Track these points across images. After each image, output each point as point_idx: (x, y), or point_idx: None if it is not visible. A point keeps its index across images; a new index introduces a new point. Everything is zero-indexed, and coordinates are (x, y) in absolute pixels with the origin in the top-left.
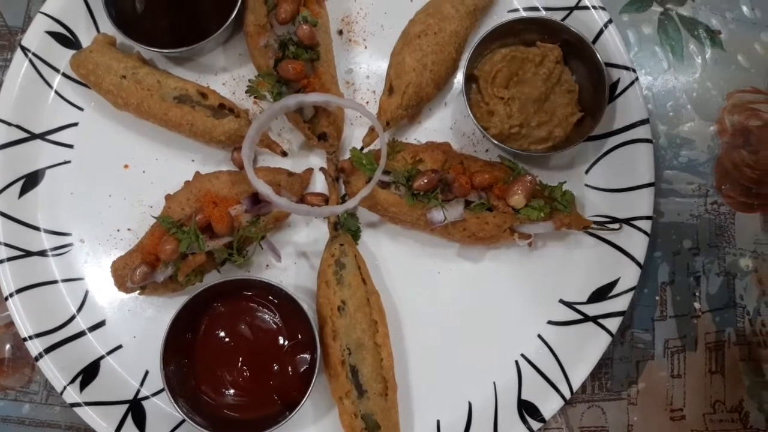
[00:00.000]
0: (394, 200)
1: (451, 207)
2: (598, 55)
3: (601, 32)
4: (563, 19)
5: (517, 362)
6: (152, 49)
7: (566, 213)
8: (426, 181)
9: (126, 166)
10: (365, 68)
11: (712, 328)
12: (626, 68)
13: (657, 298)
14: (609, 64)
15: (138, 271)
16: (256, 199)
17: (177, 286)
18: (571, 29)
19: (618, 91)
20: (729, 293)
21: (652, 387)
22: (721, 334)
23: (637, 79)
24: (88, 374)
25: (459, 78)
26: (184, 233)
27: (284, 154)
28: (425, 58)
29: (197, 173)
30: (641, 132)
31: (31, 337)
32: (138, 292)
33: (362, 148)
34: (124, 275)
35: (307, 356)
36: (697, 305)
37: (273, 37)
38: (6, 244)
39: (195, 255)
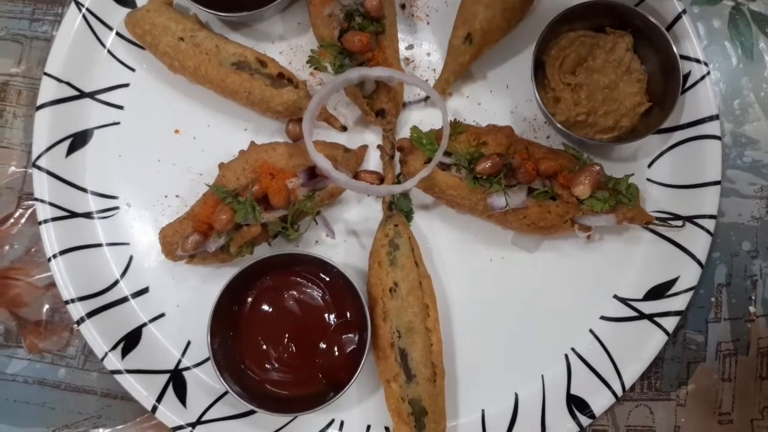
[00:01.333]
0: (453, 183)
1: (514, 193)
2: (672, 44)
3: (674, 22)
4: (636, 6)
5: (566, 356)
6: (212, 11)
7: (630, 207)
8: (490, 164)
9: (177, 132)
10: (426, 45)
11: (765, 333)
12: (698, 61)
13: (713, 299)
14: (681, 56)
15: (190, 239)
16: (312, 173)
17: (227, 256)
18: (647, 17)
19: (688, 85)
20: None
21: (702, 389)
22: None
23: (708, 73)
24: (130, 341)
25: (524, 61)
26: (240, 203)
27: (344, 128)
28: None
29: (253, 143)
30: (710, 128)
31: (73, 300)
32: (185, 260)
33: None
34: (173, 242)
35: (354, 336)
36: (752, 309)
37: (338, 7)
38: (51, 204)
39: (250, 226)
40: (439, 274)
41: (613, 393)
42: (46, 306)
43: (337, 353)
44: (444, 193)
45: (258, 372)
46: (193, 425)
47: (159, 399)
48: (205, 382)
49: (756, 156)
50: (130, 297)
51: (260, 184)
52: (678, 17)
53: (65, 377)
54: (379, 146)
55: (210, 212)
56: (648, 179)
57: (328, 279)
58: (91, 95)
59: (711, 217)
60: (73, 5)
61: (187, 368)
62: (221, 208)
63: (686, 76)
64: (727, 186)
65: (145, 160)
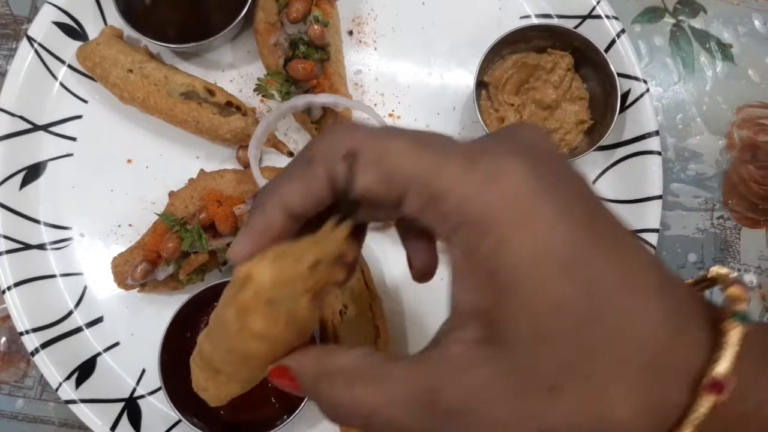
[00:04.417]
0: None
1: None
2: (610, 63)
3: (613, 42)
4: (576, 27)
5: None
6: (160, 43)
7: None
8: None
9: (129, 161)
10: (374, 70)
11: None
12: (637, 79)
13: None
14: (621, 75)
15: (139, 268)
16: None
17: (178, 284)
18: (583, 37)
19: (628, 102)
20: None
21: None
22: None
23: (648, 90)
24: (84, 371)
25: (469, 84)
26: (187, 231)
27: (290, 154)
28: None
29: (202, 171)
30: (651, 144)
31: (27, 332)
32: (138, 289)
33: None
34: (124, 272)
35: None
36: None
37: (283, 36)
38: (5, 237)
39: (198, 254)
40: (390, 294)
41: None
42: (4, 338)
43: None
44: None
45: None
46: None
47: (113, 428)
48: (160, 409)
49: (699, 169)
50: (84, 327)
51: (207, 211)
52: (618, 36)
53: (23, 408)
54: None
55: (159, 241)
56: None
57: None
58: (45, 128)
59: (654, 230)
60: (25, 40)
61: (142, 396)
62: (169, 236)
63: (627, 94)
64: (672, 200)
65: (98, 191)
